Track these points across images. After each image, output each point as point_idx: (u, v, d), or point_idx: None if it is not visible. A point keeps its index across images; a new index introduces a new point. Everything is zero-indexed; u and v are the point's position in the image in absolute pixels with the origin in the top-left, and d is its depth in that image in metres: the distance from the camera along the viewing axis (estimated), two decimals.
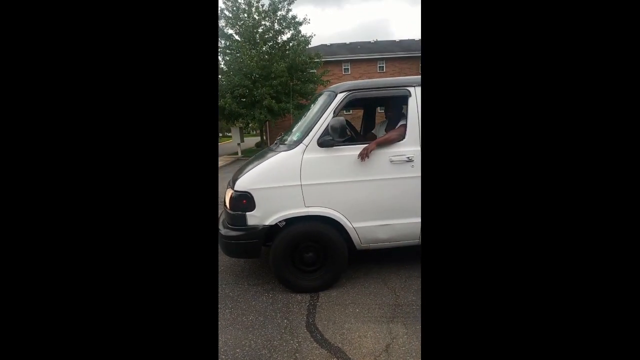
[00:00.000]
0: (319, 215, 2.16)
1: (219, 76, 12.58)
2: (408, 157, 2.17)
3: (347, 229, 2.19)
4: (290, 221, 2.18)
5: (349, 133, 2.37)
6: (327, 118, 2.16)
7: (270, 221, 2.12)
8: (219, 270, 2.74)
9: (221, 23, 12.91)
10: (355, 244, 2.27)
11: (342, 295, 2.24)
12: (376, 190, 2.19)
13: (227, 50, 13.09)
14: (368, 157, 2.13)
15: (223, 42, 13.22)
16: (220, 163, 10.86)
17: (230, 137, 21.19)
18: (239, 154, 12.61)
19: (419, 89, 2.23)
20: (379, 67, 20.23)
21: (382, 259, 2.68)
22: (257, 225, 2.12)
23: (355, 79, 16.59)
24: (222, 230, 2.22)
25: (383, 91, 2.37)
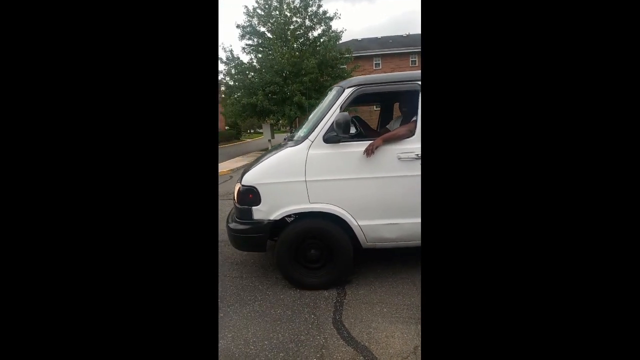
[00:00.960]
0: (324, 212, 2.12)
1: (251, 73, 12.88)
2: (417, 155, 2.06)
3: (352, 226, 2.14)
4: (295, 217, 2.18)
5: (356, 129, 2.32)
6: (333, 114, 2.11)
7: (275, 216, 2.12)
8: (248, 262, 2.83)
9: (254, 21, 13.17)
10: (361, 242, 2.20)
11: (370, 293, 2.21)
12: (383, 188, 2.12)
13: (260, 48, 13.34)
14: (373, 153, 2.07)
15: (255, 39, 13.49)
16: (251, 159, 11.17)
17: (261, 133, 21.69)
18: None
19: None
20: (412, 61, 19.65)
21: (411, 258, 2.61)
22: (263, 219, 2.13)
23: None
24: (231, 224, 2.25)
25: (393, 86, 2.26)
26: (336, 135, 2.02)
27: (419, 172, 1.98)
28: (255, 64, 13.28)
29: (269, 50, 12.65)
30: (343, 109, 2.14)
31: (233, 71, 13.03)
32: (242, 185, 2.15)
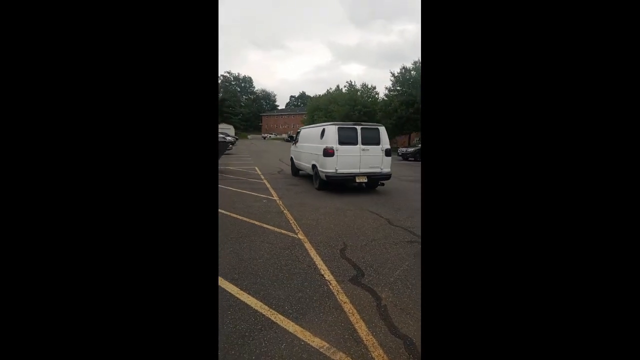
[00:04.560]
0: (291, 157, 9.44)
1: None
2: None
3: (294, 163, 8.96)
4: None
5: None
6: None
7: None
8: None
9: None
10: (298, 168, 8.72)
11: None
12: (297, 153, 8.60)
13: None
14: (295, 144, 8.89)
15: None
16: None
17: None
18: None
19: (328, 127, 6.52)
20: None
21: None
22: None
23: None
24: None
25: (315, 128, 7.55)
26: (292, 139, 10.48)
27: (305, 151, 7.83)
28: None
29: None
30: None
31: None
32: None
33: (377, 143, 6.33)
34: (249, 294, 2.38)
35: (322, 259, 3.07)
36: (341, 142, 6.11)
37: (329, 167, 6.12)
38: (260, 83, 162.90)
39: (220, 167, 10.44)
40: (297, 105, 76.19)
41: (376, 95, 29.93)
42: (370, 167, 6.26)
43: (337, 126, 6.16)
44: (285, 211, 4.91)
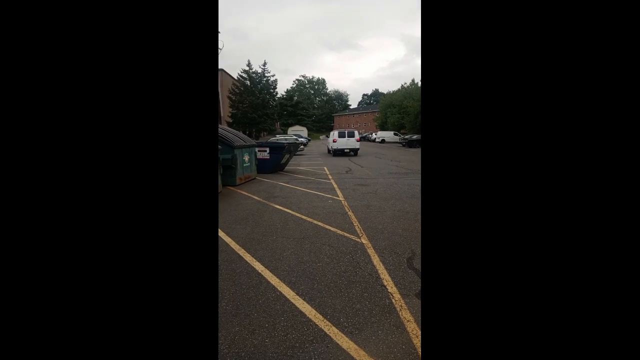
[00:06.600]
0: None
1: None
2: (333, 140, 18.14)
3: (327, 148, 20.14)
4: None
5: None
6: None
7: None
8: None
9: None
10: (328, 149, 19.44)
11: None
12: (328, 143, 19.46)
13: None
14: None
15: None
16: None
17: None
18: None
19: (335, 132, 18.04)
20: None
21: None
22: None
23: None
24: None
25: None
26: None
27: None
28: None
29: None
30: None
31: None
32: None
33: (354, 136, 16.64)
34: (304, 300, 2.28)
35: (386, 268, 2.81)
36: (339, 137, 16.66)
37: (335, 146, 16.62)
38: (335, 84, 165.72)
39: (291, 167, 10.84)
40: (369, 104, 75.26)
41: None
42: (351, 146, 16.50)
43: (338, 131, 16.91)
44: (350, 212, 4.74)
